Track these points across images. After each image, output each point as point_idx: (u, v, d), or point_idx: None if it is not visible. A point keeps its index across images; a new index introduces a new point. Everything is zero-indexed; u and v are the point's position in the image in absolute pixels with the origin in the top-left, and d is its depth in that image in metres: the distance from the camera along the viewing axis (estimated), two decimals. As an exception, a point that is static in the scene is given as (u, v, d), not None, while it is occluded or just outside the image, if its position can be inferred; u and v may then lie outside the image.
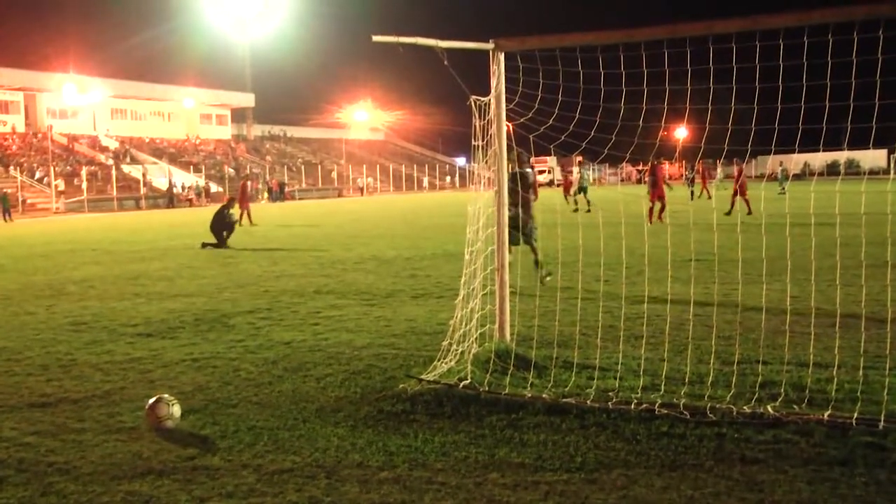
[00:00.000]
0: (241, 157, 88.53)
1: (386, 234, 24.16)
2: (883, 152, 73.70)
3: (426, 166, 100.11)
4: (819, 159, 54.04)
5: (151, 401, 5.74)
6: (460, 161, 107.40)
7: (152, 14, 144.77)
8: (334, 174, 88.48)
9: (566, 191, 36.47)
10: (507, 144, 7.13)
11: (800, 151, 6.51)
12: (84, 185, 59.49)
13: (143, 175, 66.58)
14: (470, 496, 4.34)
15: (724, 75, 6.07)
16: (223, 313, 10.30)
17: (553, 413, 5.58)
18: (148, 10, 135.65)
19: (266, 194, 68.49)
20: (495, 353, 6.71)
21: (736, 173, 27.03)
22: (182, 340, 8.64)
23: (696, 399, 5.70)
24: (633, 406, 5.59)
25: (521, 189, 11.12)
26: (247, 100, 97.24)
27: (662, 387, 5.99)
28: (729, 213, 24.79)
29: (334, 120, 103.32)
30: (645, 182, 25.24)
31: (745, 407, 5.47)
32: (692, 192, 37.15)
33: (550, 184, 64.89)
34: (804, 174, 61.08)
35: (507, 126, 6.92)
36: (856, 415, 5.19)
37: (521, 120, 6.84)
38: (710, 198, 36.18)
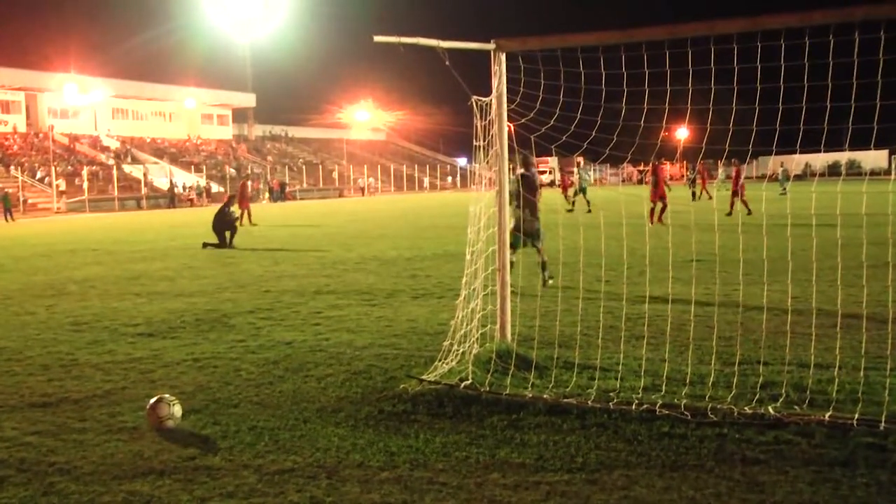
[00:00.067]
0: (242, 157, 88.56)
1: (387, 234, 24.17)
2: (884, 153, 73.70)
3: (427, 167, 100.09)
4: (820, 160, 54.06)
5: (152, 401, 5.75)
6: (461, 161, 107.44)
7: (153, 14, 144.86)
8: (335, 174, 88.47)
9: (564, 190, 36.55)
10: (513, 147, 7.14)
11: (801, 152, 6.51)
12: (85, 185, 59.52)
13: (145, 175, 66.58)
14: (471, 496, 4.34)
15: (725, 76, 6.07)
16: (224, 313, 10.30)
17: (554, 413, 5.58)
18: (149, 10, 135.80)
19: (267, 194, 68.52)
20: (496, 353, 6.71)
21: (734, 174, 27.06)
22: (183, 340, 8.65)
23: (697, 400, 5.70)
24: (634, 406, 5.59)
25: (527, 192, 11.14)
26: (248, 100, 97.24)
27: (663, 387, 5.99)
28: (730, 214, 24.79)
29: (335, 120, 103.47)
30: (646, 183, 25.25)
31: (746, 407, 5.47)
32: (693, 193, 37.15)
33: (552, 184, 64.91)
34: (805, 175, 61.11)
35: (509, 126, 6.92)
36: (857, 415, 5.19)
37: (523, 120, 6.84)
38: (710, 198, 36.17)
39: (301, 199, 72.42)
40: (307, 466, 4.82)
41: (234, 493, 4.45)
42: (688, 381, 6.12)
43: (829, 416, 5.21)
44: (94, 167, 66.76)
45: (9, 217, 44.40)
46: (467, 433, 5.31)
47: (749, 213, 23.77)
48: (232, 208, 21.82)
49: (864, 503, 4.15)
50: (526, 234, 11.29)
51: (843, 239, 6.43)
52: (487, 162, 6.93)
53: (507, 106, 6.82)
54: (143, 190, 64.32)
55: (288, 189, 72.45)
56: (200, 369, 7.31)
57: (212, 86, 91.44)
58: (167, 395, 5.86)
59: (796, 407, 5.48)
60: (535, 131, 6.79)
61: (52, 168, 61.96)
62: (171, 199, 62.13)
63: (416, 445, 5.11)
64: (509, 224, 11.19)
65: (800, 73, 5.79)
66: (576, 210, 30.55)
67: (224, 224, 20.84)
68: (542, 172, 67.67)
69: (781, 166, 44.09)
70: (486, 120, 6.73)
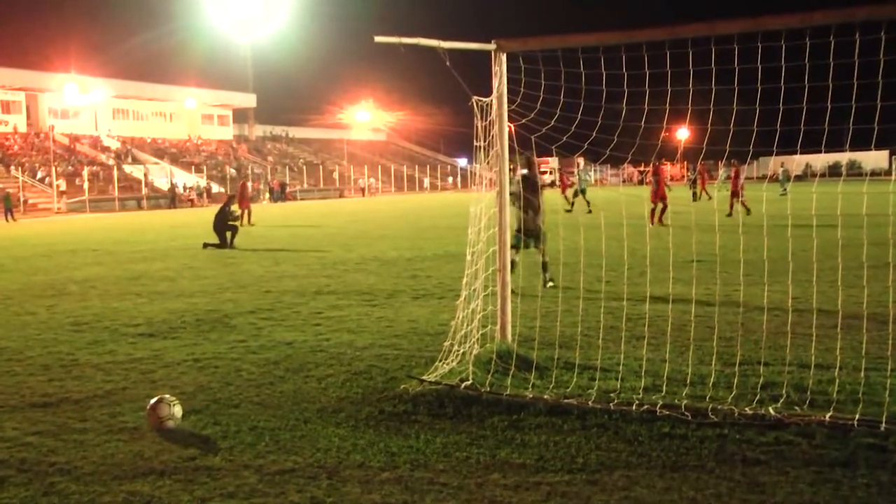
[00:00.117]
0: (242, 157, 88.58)
1: (387, 234, 24.17)
2: (885, 153, 73.69)
3: (427, 167, 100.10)
4: (821, 160, 54.04)
5: (153, 401, 5.75)
6: (462, 162, 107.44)
7: (154, 14, 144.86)
8: (336, 175, 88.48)
9: (563, 191, 36.58)
10: (513, 147, 7.14)
11: (801, 153, 6.51)
12: (85, 186, 59.53)
13: (145, 175, 66.58)
14: (471, 497, 4.34)
15: (726, 76, 6.07)
16: (225, 313, 10.30)
17: (554, 414, 5.58)
18: (150, 11, 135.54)
19: (268, 195, 68.54)
20: (497, 353, 6.71)
21: (733, 175, 27.09)
22: (184, 341, 8.65)
23: (697, 400, 5.70)
24: (634, 407, 5.59)
25: (529, 193, 11.16)
26: (248, 100, 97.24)
27: (664, 388, 5.99)
28: (730, 215, 24.78)
29: (336, 120, 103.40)
30: (648, 183, 25.26)
31: (746, 408, 5.47)
32: (694, 194, 37.15)
33: (552, 185, 64.94)
34: (806, 175, 61.09)
35: (509, 127, 6.92)
36: (857, 416, 5.19)
37: (523, 121, 6.84)
38: (710, 198, 36.18)
39: (301, 199, 72.43)
40: (308, 467, 4.82)
41: (235, 494, 4.45)
42: (688, 381, 6.12)
43: (830, 417, 5.21)
44: (94, 167, 66.78)
45: (10, 217, 44.41)
46: (468, 433, 5.32)
47: (748, 212, 23.76)
48: (232, 207, 21.83)
49: (865, 504, 4.15)
50: (528, 234, 11.30)
51: (844, 240, 6.42)
52: (488, 162, 6.94)
53: (508, 106, 6.83)
54: (144, 190, 64.33)
55: (288, 189, 72.47)
56: (201, 370, 7.31)
57: (212, 86, 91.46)
58: (168, 396, 5.86)
59: (797, 408, 5.48)
60: (536, 132, 6.79)
61: (53, 168, 61.98)
62: (172, 199, 62.15)
63: (416, 446, 5.11)
64: (512, 225, 11.26)
65: (800, 73, 5.79)
66: (575, 211, 30.55)
67: (225, 225, 20.84)
68: (543, 173, 67.68)
69: (782, 167, 44.10)
70: (486, 120, 6.73)
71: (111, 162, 70.61)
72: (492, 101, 6.71)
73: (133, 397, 6.44)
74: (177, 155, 79.95)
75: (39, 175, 62.86)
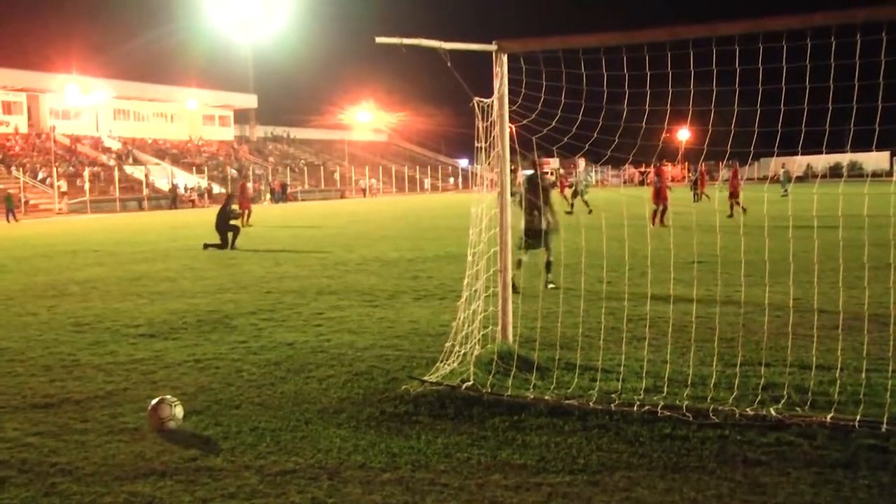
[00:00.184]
0: (243, 158, 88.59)
1: (388, 235, 24.18)
2: (886, 154, 73.66)
3: (429, 168, 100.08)
4: (822, 161, 53.96)
5: (154, 402, 5.75)
6: (463, 163, 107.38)
7: (155, 15, 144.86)
8: (337, 175, 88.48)
9: (562, 190, 36.59)
10: (514, 148, 7.14)
11: (802, 153, 6.51)
12: (86, 186, 59.55)
13: (146, 176, 66.58)
14: (472, 498, 4.34)
15: (727, 77, 6.07)
16: (226, 314, 10.31)
17: (555, 415, 5.59)
18: (151, 11, 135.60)
19: (269, 195, 68.56)
20: (498, 354, 6.71)
21: (731, 175, 27.12)
22: (185, 341, 8.65)
23: (698, 401, 5.70)
24: (635, 408, 5.59)
25: (531, 194, 11.18)
26: (249, 101, 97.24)
27: (665, 389, 5.99)
28: (731, 216, 24.77)
29: (337, 121, 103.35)
30: (649, 184, 25.27)
31: (747, 409, 5.47)
32: (695, 195, 37.13)
33: (553, 185, 64.88)
34: (807, 176, 61.05)
35: (510, 128, 6.93)
36: (858, 417, 5.19)
37: (524, 122, 6.84)
38: (708, 199, 36.16)
39: (302, 200, 72.44)
40: (309, 467, 4.82)
41: (236, 494, 4.46)
42: (689, 382, 6.12)
43: (831, 418, 5.21)
44: (95, 168, 66.80)
45: (11, 218, 44.42)
46: (469, 434, 5.32)
47: (744, 212, 23.67)
48: (233, 206, 21.82)
49: (866, 505, 4.15)
50: (530, 236, 11.33)
51: (845, 241, 6.42)
52: (489, 163, 6.94)
53: (509, 107, 6.83)
54: (145, 191, 64.35)
55: (289, 190, 72.49)
56: (202, 370, 7.31)
57: (213, 87, 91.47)
58: (169, 396, 5.86)
59: (798, 408, 5.48)
60: (537, 132, 6.80)
61: (54, 169, 61.98)
62: (173, 200, 62.18)
63: (417, 447, 5.11)
64: (518, 226, 11.32)
65: (801, 74, 5.79)
66: (576, 211, 30.54)
67: (227, 225, 20.82)
68: (546, 174, 67.59)
69: (783, 168, 44.11)
70: (487, 121, 6.74)
71: (112, 163, 70.63)
72: (493, 101, 6.72)
73: (134, 398, 6.44)
74: (178, 156, 79.97)
75: (40, 176, 62.89)
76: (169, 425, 5.58)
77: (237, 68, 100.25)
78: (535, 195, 11.26)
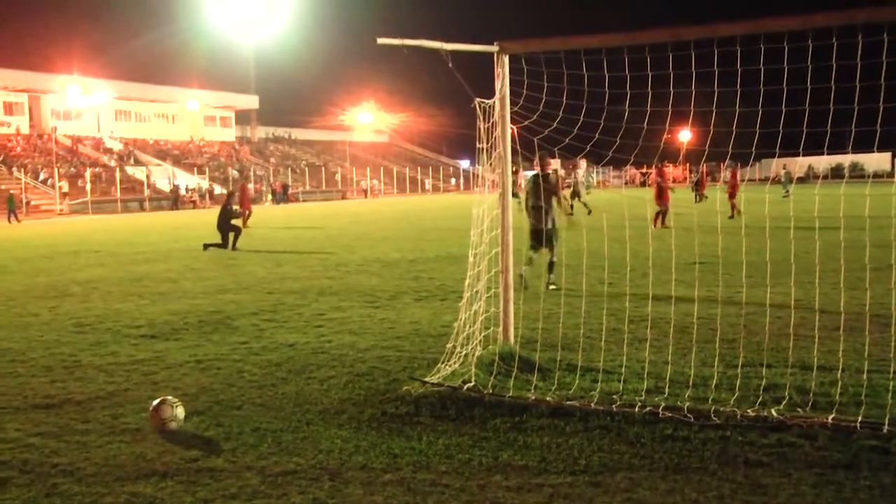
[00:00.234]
0: (245, 159, 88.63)
1: (389, 236, 24.18)
2: (887, 155, 73.63)
3: (430, 169, 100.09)
4: (823, 162, 54.02)
5: (155, 402, 5.75)
6: (464, 164, 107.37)
7: (156, 16, 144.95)
8: (338, 176, 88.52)
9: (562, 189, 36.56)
10: (516, 149, 7.14)
11: (804, 154, 6.51)
12: (88, 187, 59.63)
13: (147, 177, 66.66)
14: (474, 498, 4.34)
15: (728, 78, 6.07)
16: (227, 315, 10.31)
17: (557, 416, 5.58)
18: (152, 12, 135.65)
19: (270, 196, 68.59)
20: (499, 355, 6.71)
21: (730, 176, 27.14)
22: (186, 342, 8.66)
23: (700, 402, 5.70)
24: (637, 409, 5.59)
25: (533, 195, 11.19)
26: (251, 102, 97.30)
27: (666, 390, 5.98)
28: (732, 217, 24.76)
29: (338, 122, 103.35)
30: (651, 185, 25.26)
31: (749, 410, 5.46)
32: (696, 196, 37.14)
33: (556, 186, 64.81)
34: (808, 177, 61.06)
35: (512, 129, 6.93)
36: (860, 418, 5.19)
37: (526, 122, 6.84)
38: (706, 198, 36.17)
39: (304, 201, 72.49)
40: (310, 468, 4.82)
41: (237, 495, 4.46)
42: (691, 383, 6.11)
43: (833, 419, 5.21)
44: (96, 169, 66.86)
45: (13, 218, 44.44)
46: (470, 435, 5.32)
47: (739, 213, 23.62)
48: (235, 206, 21.81)
49: (868, 506, 4.14)
50: (536, 237, 11.38)
51: (846, 241, 6.41)
52: (490, 164, 6.94)
53: (511, 108, 6.83)
54: (146, 192, 64.40)
55: (291, 191, 72.52)
56: (203, 371, 7.31)
57: (215, 87, 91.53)
58: (170, 397, 5.86)
59: (799, 409, 5.47)
60: (539, 133, 6.80)
61: (55, 170, 62.04)
62: (175, 200, 62.22)
63: (419, 447, 5.11)
64: (527, 226, 11.39)
65: (802, 75, 5.79)
66: (576, 212, 30.53)
67: (229, 224, 20.80)
68: (549, 175, 67.54)
69: (784, 169, 44.08)
70: (489, 122, 6.74)
71: (113, 163, 70.69)
72: (494, 102, 6.72)
73: (135, 399, 6.44)
74: (179, 156, 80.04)
75: (42, 176, 62.95)
76: (170, 426, 5.58)
77: (238, 69, 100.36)
78: (537, 196, 11.28)
